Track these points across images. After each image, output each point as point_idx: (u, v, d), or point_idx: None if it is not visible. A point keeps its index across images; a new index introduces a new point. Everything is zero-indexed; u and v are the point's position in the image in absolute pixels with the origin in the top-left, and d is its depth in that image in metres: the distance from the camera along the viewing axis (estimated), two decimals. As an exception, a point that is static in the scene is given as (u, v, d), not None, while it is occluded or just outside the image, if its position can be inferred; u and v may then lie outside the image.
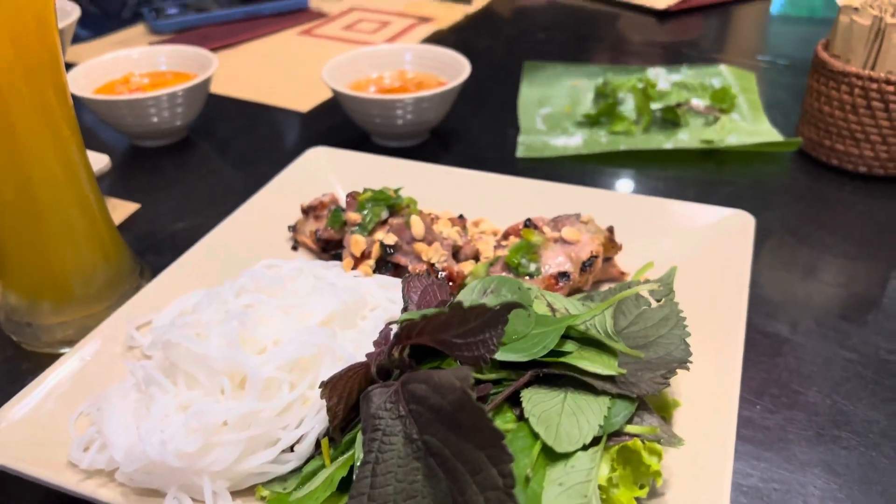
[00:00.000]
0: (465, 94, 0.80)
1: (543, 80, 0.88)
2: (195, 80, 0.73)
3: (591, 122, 0.78)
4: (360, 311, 0.45)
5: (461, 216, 0.58)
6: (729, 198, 0.66)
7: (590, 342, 0.39)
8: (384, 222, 0.53)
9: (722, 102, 0.76)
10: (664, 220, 0.57)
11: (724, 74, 0.84)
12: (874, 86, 0.66)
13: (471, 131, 0.81)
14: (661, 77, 0.83)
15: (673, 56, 0.99)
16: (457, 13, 1.14)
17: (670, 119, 0.76)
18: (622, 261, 0.55)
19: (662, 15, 1.13)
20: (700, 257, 0.53)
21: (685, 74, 0.84)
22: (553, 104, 0.83)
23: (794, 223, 0.65)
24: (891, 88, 0.65)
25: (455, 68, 0.77)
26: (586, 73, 0.87)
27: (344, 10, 1.16)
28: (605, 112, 0.77)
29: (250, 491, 0.37)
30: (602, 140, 0.74)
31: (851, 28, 0.67)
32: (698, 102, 0.76)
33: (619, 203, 0.59)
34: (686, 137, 0.73)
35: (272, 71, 0.96)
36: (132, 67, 0.80)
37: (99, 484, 0.37)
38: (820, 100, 0.70)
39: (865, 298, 0.56)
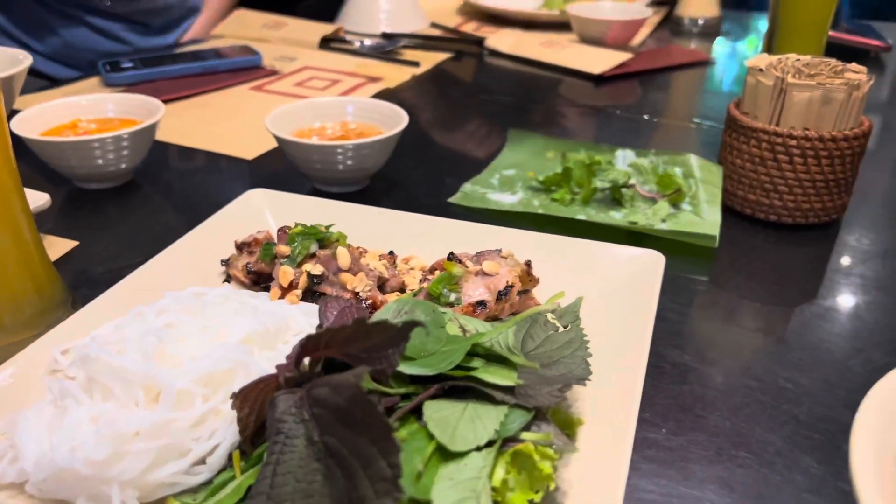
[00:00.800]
0: (408, 146, 0.84)
1: (524, 149, 0.88)
2: (141, 125, 0.75)
3: (542, 186, 0.80)
4: (281, 335, 0.47)
5: (391, 252, 0.61)
6: (649, 243, 0.70)
7: (494, 358, 0.41)
8: (313, 255, 0.55)
9: (666, 189, 0.76)
10: (581, 258, 0.60)
11: (689, 164, 0.82)
12: (779, 140, 0.71)
13: (410, 180, 0.84)
14: (625, 158, 0.83)
15: (607, 116, 1.06)
16: (405, 74, 1.19)
17: (616, 198, 0.77)
18: (541, 294, 0.58)
19: (598, 80, 1.19)
20: (611, 291, 0.56)
21: (650, 159, 0.83)
22: (520, 168, 0.84)
23: (709, 267, 0.69)
24: (793, 142, 0.71)
25: (395, 120, 0.81)
26: (564, 146, 0.87)
27: (297, 69, 1.20)
28: (554, 181, 0.79)
29: (160, 502, 0.38)
30: (535, 203, 0.77)
31: (757, 87, 0.73)
32: (644, 186, 0.77)
33: (540, 242, 0.62)
34: (619, 216, 0.74)
35: (221, 122, 0.99)
36: (80, 113, 0.82)
37: (8, 496, 0.38)
38: (733, 153, 0.76)
39: (769, 333, 0.59)
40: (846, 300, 0.64)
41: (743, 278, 0.67)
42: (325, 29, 1.34)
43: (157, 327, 0.42)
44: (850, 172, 0.73)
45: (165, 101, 1.01)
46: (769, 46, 0.97)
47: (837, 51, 1.31)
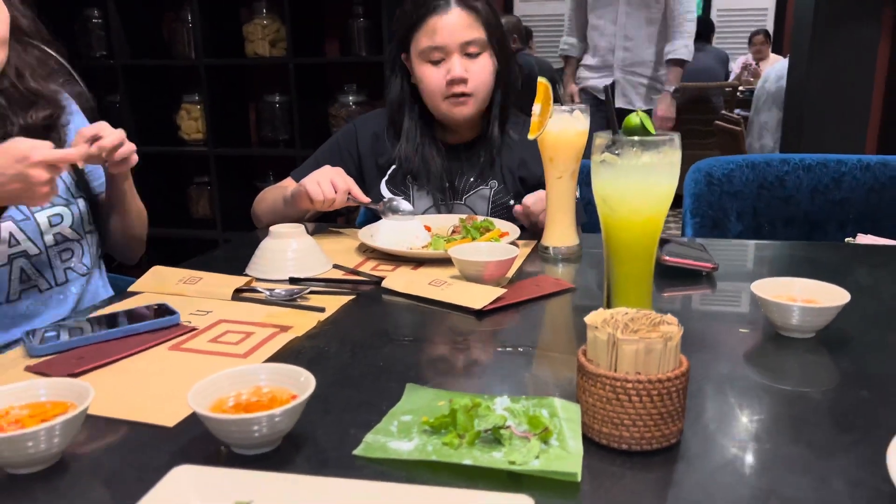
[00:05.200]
0: (317, 398, 0.95)
1: (420, 398, 1.01)
2: (71, 413, 0.85)
3: (433, 429, 0.93)
4: None
5: (303, 520, 0.71)
6: (515, 482, 0.83)
7: None
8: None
9: (536, 429, 0.89)
10: (463, 509, 0.72)
11: (554, 405, 0.96)
12: (618, 383, 0.88)
13: (318, 434, 0.95)
14: (503, 402, 0.96)
15: (490, 341, 1.22)
16: (311, 320, 1.33)
17: (497, 438, 0.90)
18: (432, 548, 0.68)
19: (480, 313, 1.37)
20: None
21: (522, 403, 0.97)
22: (416, 414, 0.97)
23: (576, 497, 0.82)
24: (629, 385, 0.88)
25: (303, 383, 0.93)
26: (452, 395, 1.00)
27: (212, 323, 1.33)
28: (442, 424, 0.92)
29: None
30: (428, 448, 0.89)
31: (596, 341, 0.91)
32: (518, 427, 0.90)
33: (427, 497, 0.74)
34: (500, 456, 0.86)
35: (143, 388, 1.08)
36: (12, 401, 0.90)
37: None
38: (585, 393, 0.92)
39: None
40: (685, 518, 0.78)
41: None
42: (238, 281, 1.49)
43: None
44: (679, 404, 0.90)
45: (89, 370, 1.11)
46: (608, 298, 1.18)
47: (676, 272, 1.57)
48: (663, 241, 1.69)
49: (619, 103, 4.19)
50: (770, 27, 9.30)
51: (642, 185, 1.06)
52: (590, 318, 0.94)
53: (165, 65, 4.40)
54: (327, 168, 1.89)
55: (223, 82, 4.27)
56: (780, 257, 1.81)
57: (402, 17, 2.03)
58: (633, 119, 1.08)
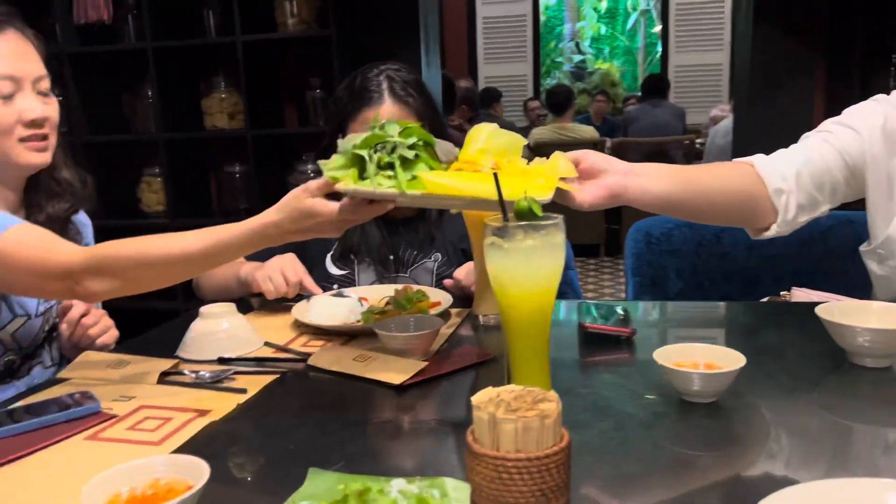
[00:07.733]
0: (221, 486, 0.97)
1: (322, 482, 1.04)
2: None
3: None
4: None
5: None
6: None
7: None
8: None
9: None
10: None
11: (445, 486, 0.98)
12: (499, 462, 0.91)
13: (215, 524, 0.97)
14: (396, 485, 0.97)
15: (407, 418, 1.25)
16: (232, 403, 1.35)
17: None
18: None
19: (400, 388, 1.41)
20: None
21: (416, 485, 0.98)
22: (315, 499, 0.98)
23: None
24: (510, 463, 0.91)
25: (200, 472, 0.96)
26: (351, 479, 1.01)
27: (133, 409, 1.34)
28: None
29: None
30: None
31: (480, 421, 0.95)
32: None
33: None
34: None
35: (51, 481, 1.09)
36: None
37: None
38: (472, 472, 0.95)
39: None
40: None
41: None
42: (164, 364, 1.52)
43: None
44: (560, 479, 0.93)
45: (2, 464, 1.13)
46: (508, 373, 1.22)
47: (598, 338, 1.62)
48: (588, 307, 1.75)
49: None
50: (726, 83, 9.63)
51: (527, 267, 1.11)
52: (476, 399, 0.97)
53: (126, 140, 4.47)
54: (277, 259, 1.92)
55: (183, 155, 4.34)
56: (697, 318, 1.86)
57: (337, 105, 2.11)
58: (522, 203, 1.14)
